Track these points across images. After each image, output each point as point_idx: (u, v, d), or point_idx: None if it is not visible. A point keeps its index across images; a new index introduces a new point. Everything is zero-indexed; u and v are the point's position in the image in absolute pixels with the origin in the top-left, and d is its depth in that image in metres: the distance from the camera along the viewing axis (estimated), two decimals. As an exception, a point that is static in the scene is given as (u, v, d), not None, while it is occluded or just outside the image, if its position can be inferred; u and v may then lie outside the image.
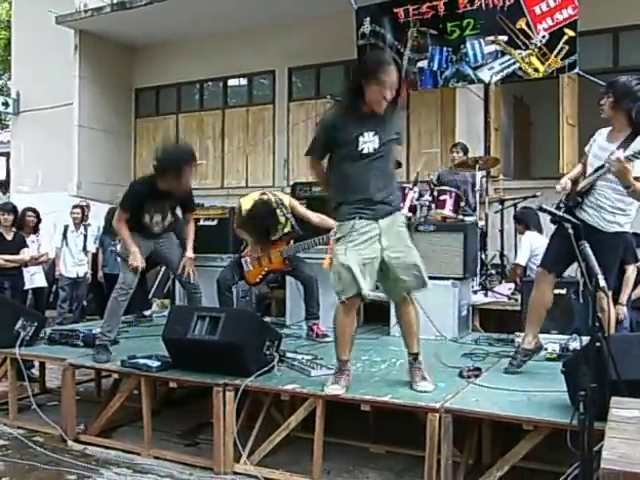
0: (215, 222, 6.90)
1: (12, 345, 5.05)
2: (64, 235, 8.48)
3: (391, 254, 3.80)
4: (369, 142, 3.77)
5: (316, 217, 5.56)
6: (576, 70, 7.05)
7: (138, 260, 4.88)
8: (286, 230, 5.67)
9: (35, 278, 7.58)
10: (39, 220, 7.64)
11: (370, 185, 3.78)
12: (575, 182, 4.12)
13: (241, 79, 11.50)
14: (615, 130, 3.94)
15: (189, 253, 5.18)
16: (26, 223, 7.48)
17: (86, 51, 11.23)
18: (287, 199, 5.74)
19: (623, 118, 3.86)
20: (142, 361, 4.48)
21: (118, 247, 5.65)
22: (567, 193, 4.06)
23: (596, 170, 3.93)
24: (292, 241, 5.72)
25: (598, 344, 2.80)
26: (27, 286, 7.42)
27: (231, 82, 11.60)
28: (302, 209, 5.68)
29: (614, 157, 3.67)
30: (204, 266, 6.66)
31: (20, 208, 7.33)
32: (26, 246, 6.94)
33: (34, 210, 7.61)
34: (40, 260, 7.48)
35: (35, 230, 7.60)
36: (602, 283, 2.76)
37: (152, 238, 5.09)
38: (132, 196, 4.97)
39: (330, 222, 5.22)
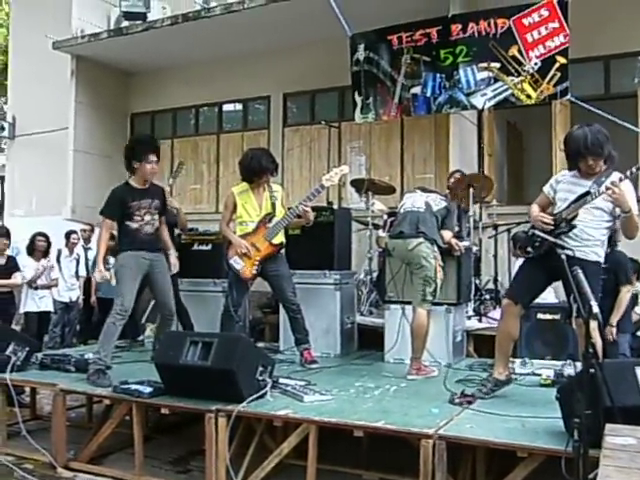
0: (209, 247, 6.88)
1: (2, 370, 5.00)
2: (57, 260, 8.46)
3: None
4: None
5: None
6: (568, 97, 7.10)
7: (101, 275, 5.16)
8: (263, 214, 5.56)
9: (43, 302, 7.58)
10: (49, 244, 7.66)
11: None
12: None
13: (236, 104, 11.54)
14: (583, 171, 4.11)
15: (174, 252, 5.50)
16: (37, 247, 7.51)
17: (82, 76, 11.27)
18: (280, 189, 5.76)
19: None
20: (134, 387, 4.45)
21: (111, 261, 5.72)
22: (553, 220, 4.13)
23: (580, 198, 4.04)
24: (271, 221, 5.56)
25: (592, 370, 2.79)
26: (35, 309, 7.43)
27: (226, 107, 11.64)
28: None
29: (610, 181, 3.86)
30: (198, 291, 6.66)
31: (16, 232, 7.37)
32: (18, 270, 6.93)
33: (44, 235, 7.62)
34: (51, 285, 7.54)
35: (46, 254, 7.60)
36: (595, 309, 2.76)
37: (146, 249, 5.12)
38: (112, 197, 5.11)
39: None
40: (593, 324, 3.83)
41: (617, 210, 3.98)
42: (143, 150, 5.14)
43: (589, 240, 4.03)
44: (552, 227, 4.09)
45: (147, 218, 5.12)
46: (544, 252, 4.12)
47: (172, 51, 10.62)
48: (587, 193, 4.01)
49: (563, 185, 4.23)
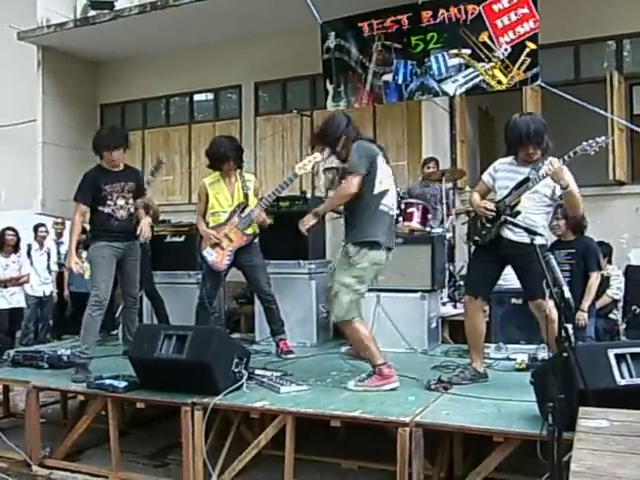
0: (182, 238, 6.81)
1: (-27, 368, 4.94)
2: (28, 254, 8.33)
3: None
4: None
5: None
6: (538, 82, 7.14)
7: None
8: (235, 204, 5.53)
9: (14, 298, 7.44)
10: (19, 239, 7.50)
11: None
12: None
13: (207, 94, 11.45)
14: (521, 158, 4.22)
15: (146, 220, 5.26)
16: (6, 242, 7.35)
17: (49, 67, 11.07)
18: (253, 179, 5.74)
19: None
20: (108, 381, 4.40)
21: (84, 255, 5.60)
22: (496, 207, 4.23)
23: (520, 185, 4.15)
24: (244, 211, 5.52)
25: (565, 354, 2.81)
26: (6, 306, 7.29)
27: (197, 97, 11.53)
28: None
29: (548, 161, 4.00)
30: (172, 283, 6.60)
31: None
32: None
33: (14, 229, 7.47)
34: (21, 281, 7.39)
35: (16, 249, 7.45)
36: (567, 294, 2.78)
37: (120, 239, 5.01)
38: (85, 181, 4.97)
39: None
40: (550, 303, 3.87)
41: (557, 191, 4.07)
42: (111, 141, 5.02)
43: (532, 225, 4.06)
44: (495, 214, 4.20)
45: (120, 202, 4.99)
46: (490, 240, 4.24)
47: (141, 40, 10.47)
48: (527, 179, 4.12)
49: (502, 173, 4.34)
